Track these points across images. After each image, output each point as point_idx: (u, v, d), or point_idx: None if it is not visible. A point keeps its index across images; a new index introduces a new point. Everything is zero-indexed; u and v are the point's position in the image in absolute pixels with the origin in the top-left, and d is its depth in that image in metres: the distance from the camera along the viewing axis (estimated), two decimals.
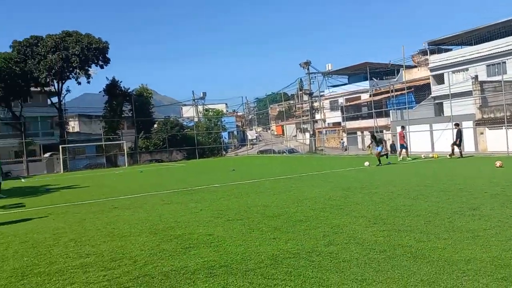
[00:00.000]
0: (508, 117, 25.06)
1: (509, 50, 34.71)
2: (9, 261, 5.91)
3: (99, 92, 41.85)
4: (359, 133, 47.07)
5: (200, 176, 19.88)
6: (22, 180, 27.95)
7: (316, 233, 6.25)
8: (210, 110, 59.10)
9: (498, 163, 14.69)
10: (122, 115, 42.16)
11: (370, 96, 44.73)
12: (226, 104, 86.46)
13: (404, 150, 22.10)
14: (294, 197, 10.32)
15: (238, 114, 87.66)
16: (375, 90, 42.53)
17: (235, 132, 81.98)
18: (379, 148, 18.95)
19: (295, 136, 68.40)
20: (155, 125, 47.38)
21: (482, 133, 29.98)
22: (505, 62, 34.37)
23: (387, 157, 20.14)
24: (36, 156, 41.12)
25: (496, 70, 35.03)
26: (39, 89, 37.83)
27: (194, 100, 56.79)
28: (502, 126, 25.08)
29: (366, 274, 4.26)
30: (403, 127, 23.38)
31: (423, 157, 22.80)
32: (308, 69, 42.85)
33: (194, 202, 10.69)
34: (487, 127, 29.61)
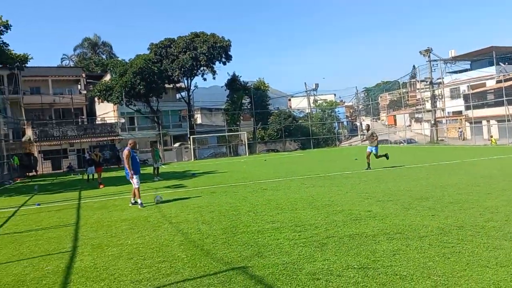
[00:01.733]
0: None
1: None
2: (213, 224, 7.60)
3: (221, 86, 45.23)
4: (484, 122, 44.02)
5: (326, 164, 20.97)
6: (163, 166, 31.81)
7: (472, 213, 6.93)
8: (322, 100, 59.82)
9: None
10: (242, 108, 45.01)
11: (498, 82, 41.52)
12: (335, 94, 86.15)
13: None
14: (434, 183, 10.86)
15: (346, 104, 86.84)
16: (504, 76, 39.34)
17: (345, 123, 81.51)
18: (374, 149, 15.64)
19: (409, 126, 65.92)
20: (270, 117, 49.67)
21: None
22: None
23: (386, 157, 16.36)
24: (168, 146, 45.99)
25: None
26: (171, 85, 42.19)
27: (306, 91, 57.97)
28: None
29: None
30: None
31: None
32: (429, 56, 41.22)
33: (336, 186, 11.79)
34: None
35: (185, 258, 5.39)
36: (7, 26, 31.22)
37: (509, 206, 7.21)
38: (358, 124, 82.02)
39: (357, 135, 69.46)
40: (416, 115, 66.55)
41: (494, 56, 44.14)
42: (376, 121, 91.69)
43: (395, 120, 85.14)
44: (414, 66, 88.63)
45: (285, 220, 7.44)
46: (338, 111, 58.54)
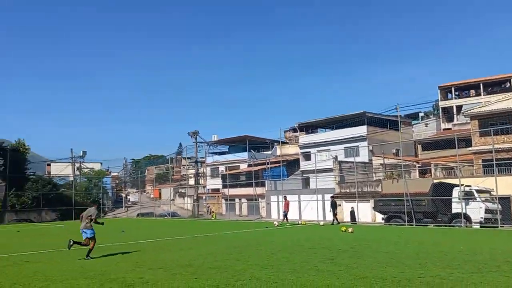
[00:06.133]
0: (359, 192, 30.56)
1: (361, 137, 42.25)
2: None
3: None
4: (237, 200, 50.50)
5: None
6: None
7: (226, 275, 8.52)
8: (89, 169, 57.69)
9: (350, 230, 18.67)
10: None
11: (249, 166, 49.06)
12: (101, 163, 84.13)
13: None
14: (196, 253, 12.39)
15: (113, 174, 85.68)
16: (253, 161, 46.99)
17: (110, 194, 79.61)
18: (88, 233, 11.79)
19: (173, 199, 69.35)
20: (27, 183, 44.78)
21: (340, 205, 35.41)
22: (358, 147, 41.64)
23: None
24: None
25: (352, 152, 42.05)
26: None
27: (72, 158, 55.02)
28: (355, 200, 30.38)
29: None
30: (285, 197, 27.28)
31: (279, 224, 26.27)
32: (196, 138, 45.83)
33: (106, 257, 12.00)
34: (344, 200, 35.18)
35: None
36: None
37: (252, 269, 9.13)
38: (123, 195, 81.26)
39: (122, 207, 68.66)
40: (180, 190, 70.81)
41: (247, 143, 52.19)
42: (141, 193, 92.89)
43: (160, 194, 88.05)
44: (180, 144, 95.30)
45: None
46: (106, 181, 57.29)
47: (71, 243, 12.07)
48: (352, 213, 30.38)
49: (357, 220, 29.34)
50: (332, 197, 26.76)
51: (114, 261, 11.04)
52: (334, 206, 25.61)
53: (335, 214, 25.39)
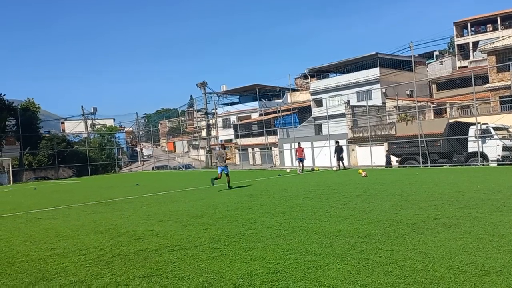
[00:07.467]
0: (372, 136, 30.10)
1: (374, 79, 41.11)
2: None
3: None
4: (250, 149, 50.57)
5: (106, 191, 20.65)
6: None
7: (237, 224, 8.38)
8: (101, 125, 58.01)
9: (363, 173, 18.43)
10: (6, 131, 39.78)
11: (260, 115, 48.63)
12: (114, 119, 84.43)
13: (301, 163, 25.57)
14: (208, 203, 12.32)
15: (126, 129, 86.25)
16: (264, 110, 46.46)
17: (125, 148, 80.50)
18: (226, 170, 16.72)
19: (187, 152, 69.91)
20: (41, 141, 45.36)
21: (353, 150, 35.14)
22: (370, 90, 40.63)
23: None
24: None
25: (364, 96, 41.10)
26: None
27: (83, 115, 55.23)
28: (368, 144, 29.97)
29: (279, 242, 6.51)
30: (299, 144, 26.77)
31: (298, 172, 25.99)
32: (204, 89, 45.22)
33: (118, 211, 12.02)
34: (357, 145, 34.84)
35: None
36: None
37: (263, 217, 8.98)
38: (138, 150, 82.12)
39: (138, 161, 69.62)
40: (194, 142, 71.21)
41: (257, 92, 51.37)
42: (156, 147, 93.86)
43: (174, 146, 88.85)
44: (191, 96, 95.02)
45: (68, 246, 7.41)
46: (118, 136, 57.67)
47: (214, 182, 16.30)
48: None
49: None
50: (336, 142, 26.28)
51: (126, 215, 11.02)
52: (339, 151, 25.28)
53: (339, 159, 25.18)
